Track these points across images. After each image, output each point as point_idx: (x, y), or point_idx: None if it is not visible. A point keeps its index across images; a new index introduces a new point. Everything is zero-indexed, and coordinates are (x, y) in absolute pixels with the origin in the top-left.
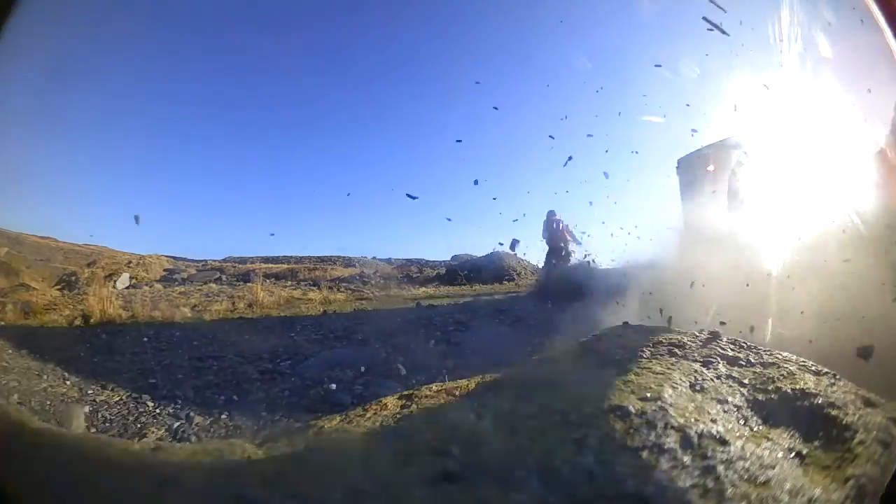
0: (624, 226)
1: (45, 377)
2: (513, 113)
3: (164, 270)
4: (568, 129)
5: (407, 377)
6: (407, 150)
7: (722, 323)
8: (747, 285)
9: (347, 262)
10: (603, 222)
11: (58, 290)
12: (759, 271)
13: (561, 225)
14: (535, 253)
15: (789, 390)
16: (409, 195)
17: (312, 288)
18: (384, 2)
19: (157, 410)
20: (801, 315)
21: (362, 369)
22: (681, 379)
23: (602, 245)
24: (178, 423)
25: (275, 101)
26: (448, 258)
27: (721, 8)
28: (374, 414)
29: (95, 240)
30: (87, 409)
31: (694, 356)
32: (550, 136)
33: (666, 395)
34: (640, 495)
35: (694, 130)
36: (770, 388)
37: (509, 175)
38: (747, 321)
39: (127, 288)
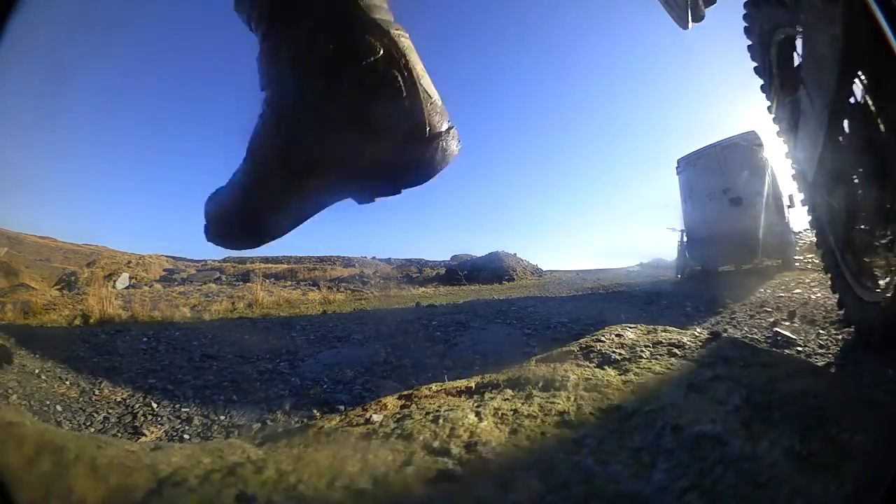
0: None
1: (43, 377)
2: (510, 113)
3: (164, 270)
4: (568, 128)
5: (406, 377)
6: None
7: None
8: None
9: (347, 262)
10: None
11: (57, 289)
12: None
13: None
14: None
15: (789, 390)
16: None
17: (312, 288)
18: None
19: (157, 410)
20: None
21: (362, 369)
22: (681, 379)
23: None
24: (177, 424)
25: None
26: (448, 258)
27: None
28: (374, 413)
29: (95, 240)
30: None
31: (694, 356)
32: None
33: (666, 396)
34: (640, 495)
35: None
36: (770, 387)
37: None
38: None
39: (126, 288)
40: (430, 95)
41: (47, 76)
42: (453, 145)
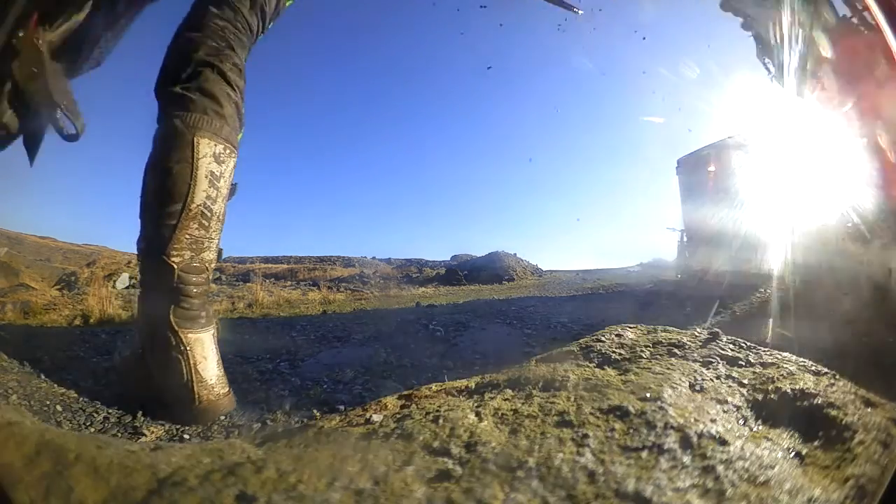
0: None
1: (43, 377)
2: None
3: None
4: (567, 128)
5: (406, 377)
6: (408, 151)
7: None
8: None
9: (347, 262)
10: None
11: (57, 289)
12: None
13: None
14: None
15: (789, 390)
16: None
17: (312, 288)
18: (385, 15)
19: (157, 410)
20: None
21: (362, 369)
22: (681, 379)
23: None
24: (177, 424)
25: (275, 101)
26: (448, 258)
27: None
28: (374, 413)
29: (95, 240)
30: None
31: (694, 356)
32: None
33: (666, 395)
34: (640, 495)
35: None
36: (770, 388)
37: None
38: None
39: (126, 288)
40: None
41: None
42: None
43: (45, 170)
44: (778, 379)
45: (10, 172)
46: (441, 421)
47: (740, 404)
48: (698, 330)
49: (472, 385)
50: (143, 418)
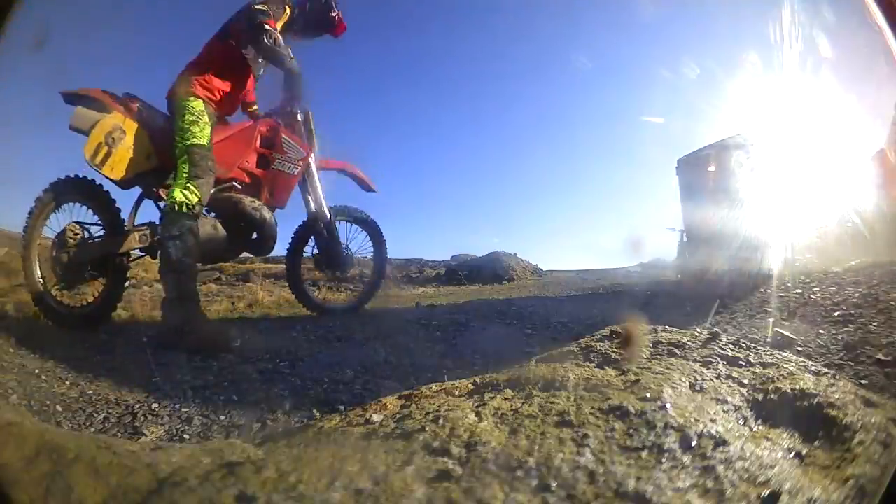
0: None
1: (43, 377)
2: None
3: None
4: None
5: (406, 377)
6: (407, 148)
7: None
8: None
9: None
10: None
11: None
12: None
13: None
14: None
15: (789, 390)
16: None
17: (312, 288)
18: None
19: (157, 410)
20: None
21: (362, 369)
22: (681, 379)
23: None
24: (177, 424)
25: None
26: (448, 258)
27: None
28: (374, 413)
29: None
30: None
31: (694, 356)
32: None
33: (666, 395)
34: (640, 495)
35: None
36: (770, 388)
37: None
38: None
39: (126, 288)
40: None
41: (49, 76)
42: None
43: (45, 170)
44: (778, 379)
45: (9, 172)
46: (441, 421)
47: (740, 404)
48: (698, 330)
49: (472, 385)
50: (143, 418)
